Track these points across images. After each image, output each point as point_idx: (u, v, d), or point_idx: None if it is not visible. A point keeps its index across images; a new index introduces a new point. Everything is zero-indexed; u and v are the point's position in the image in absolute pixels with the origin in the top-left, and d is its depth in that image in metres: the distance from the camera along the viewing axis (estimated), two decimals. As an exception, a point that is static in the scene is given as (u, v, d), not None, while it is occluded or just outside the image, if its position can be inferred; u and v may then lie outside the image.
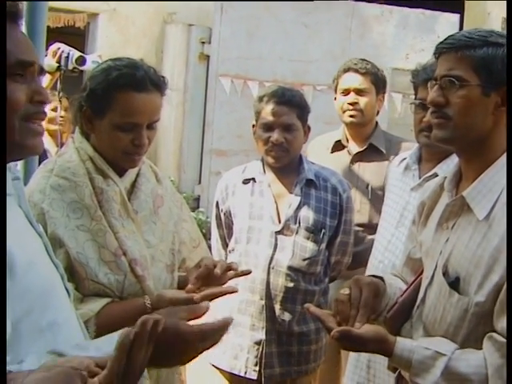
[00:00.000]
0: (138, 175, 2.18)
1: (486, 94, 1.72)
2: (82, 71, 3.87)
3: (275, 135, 2.82)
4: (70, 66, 3.80)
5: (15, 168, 1.53)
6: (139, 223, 2.11)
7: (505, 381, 1.59)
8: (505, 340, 1.61)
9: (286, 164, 2.89)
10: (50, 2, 2.73)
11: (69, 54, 3.79)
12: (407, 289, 1.98)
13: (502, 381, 1.60)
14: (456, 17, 8.24)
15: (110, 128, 2.03)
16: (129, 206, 2.09)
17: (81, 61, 3.79)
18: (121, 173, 2.12)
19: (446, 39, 1.79)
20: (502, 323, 1.63)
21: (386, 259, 2.82)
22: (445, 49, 1.78)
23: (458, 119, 1.75)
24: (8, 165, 1.46)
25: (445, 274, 1.76)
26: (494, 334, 1.64)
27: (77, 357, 1.21)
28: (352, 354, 2.93)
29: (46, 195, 1.98)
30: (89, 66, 3.75)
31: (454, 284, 1.72)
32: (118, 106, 2.00)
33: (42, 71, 1.45)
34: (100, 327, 1.89)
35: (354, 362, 2.91)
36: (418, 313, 1.88)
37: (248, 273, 2.20)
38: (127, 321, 1.50)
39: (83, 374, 1.14)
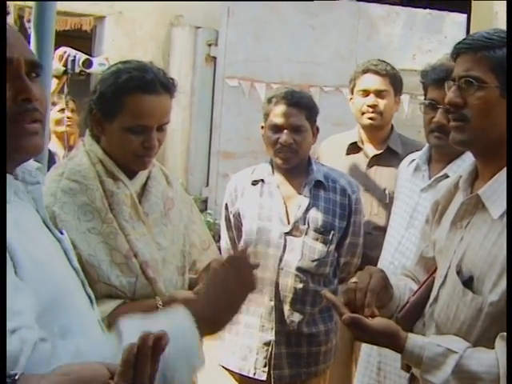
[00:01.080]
0: (148, 178, 2.19)
1: (503, 95, 1.70)
2: (89, 74, 3.88)
3: (284, 137, 2.82)
4: (77, 69, 3.81)
5: (36, 172, 1.50)
6: (150, 226, 2.11)
7: None
8: None
9: (295, 165, 2.89)
10: (56, 6, 2.73)
11: (75, 57, 3.81)
12: (419, 288, 1.97)
13: None
14: (463, 17, 8.22)
15: (120, 131, 2.03)
16: (139, 209, 2.09)
17: (87, 63, 3.81)
18: (131, 175, 2.13)
19: (464, 39, 1.77)
20: None
21: (396, 260, 2.82)
22: (463, 49, 1.75)
23: (476, 121, 1.73)
24: (28, 169, 1.46)
25: (459, 272, 1.75)
26: (505, 334, 1.63)
27: (94, 364, 1.20)
28: (362, 356, 2.92)
29: (56, 199, 1.99)
30: (96, 69, 3.76)
31: (468, 283, 1.71)
32: (127, 108, 2.01)
33: (33, 68, 1.39)
34: (112, 329, 1.90)
35: (364, 364, 2.90)
36: (431, 311, 1.87)
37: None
38: None
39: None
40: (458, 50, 1.77)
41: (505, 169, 1.73)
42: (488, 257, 1.68)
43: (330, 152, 3.50)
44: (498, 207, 1.71)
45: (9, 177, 1.37)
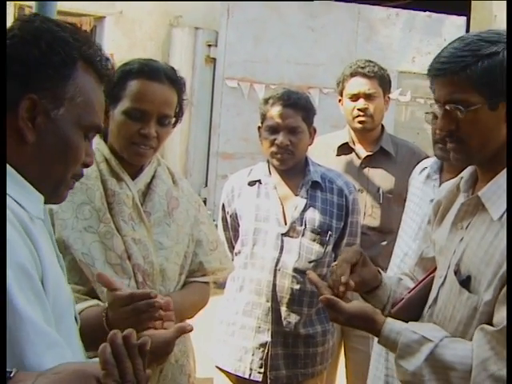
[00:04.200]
0: (153, 177, 2.19)
1: (493, 108, 1.69)
2: None
3: (280, 138, 2.82)
4: None
5: None
6: (152, 226, 2.11)
7: (489, 374, 1.59)
8: (495, 329, 1.60)
9: (292, 166, 2.89)
10: (56, 6, 2.73)
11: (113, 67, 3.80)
12: (416, 286, 1.98)
13: (485, 373, 1.60)
14: (462, 19, 8.24)
15: (119, 115, 2.05)
16: (141, 211, 2.09)
17: None
18: (136, 174, 2.13)
19: (437, 61, 1.73)
20: (497, 317, 1.62)
21: (401, 272, 2.81)
22: (440, 73, 1.73)
23: (471, 142, 1.73)
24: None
25: (456, 272, 1.76)
26: (486, 326, 1.64)
27: (89, 363, 1.21)
28: (371, 368, 2.90)
29: None
30: None
31: (465, 283, 1.72)
32: (129, 92, 2.04)
33: (99, 132, 1.49)
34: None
35: (371, 377, 2.88)
36: (430, 313, 1.88)
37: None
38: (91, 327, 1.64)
39: (98, 378, 1.14)
40: (435, 72, 1.74)
41: (505, 170, 1.73)
42: (485, 256, 1.68)
43: (321, 152, 3.49)
44: (497, 208, 1.71)
45: (40, 197, 1.40)
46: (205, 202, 7.97)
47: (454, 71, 1.69)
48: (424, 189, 2.81)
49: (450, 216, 1.92)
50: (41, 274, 1.29)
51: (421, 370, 1.68)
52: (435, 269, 1.96)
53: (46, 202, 1.44)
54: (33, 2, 2.79)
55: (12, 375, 1.14)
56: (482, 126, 1.71)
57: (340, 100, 3.53)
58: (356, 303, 1.83)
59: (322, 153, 3.49)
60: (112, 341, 1.16)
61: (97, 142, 2.11)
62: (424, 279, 1.98)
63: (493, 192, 1.73)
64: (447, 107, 1.73)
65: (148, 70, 2.06)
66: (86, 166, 1.45)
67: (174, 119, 2.15)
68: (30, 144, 1.33)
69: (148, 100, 2.04)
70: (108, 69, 1.47)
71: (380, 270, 2.04)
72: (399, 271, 2.80)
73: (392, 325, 1.77)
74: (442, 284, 1.85)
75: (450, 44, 1.76)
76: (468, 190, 1.86)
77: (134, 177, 2.13)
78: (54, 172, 1.39)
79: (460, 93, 1.70)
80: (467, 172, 1.89)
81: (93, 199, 2.02)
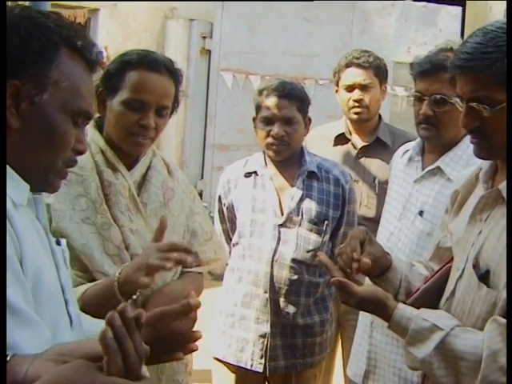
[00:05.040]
0: (149, 168, 2.19)
1: None
2: None
3: (276, 129, 2.81)
4: None
5: None
6: (148, 216, 2.11)
7: (499, 366, 1.58)
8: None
9: (288, 157, 2.88)
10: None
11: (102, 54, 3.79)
12: (432, 276, 1.97)
13: (495, 365, 1.59)
14: (458, 10, 8.22)
15: (118, 106, 2.06)
16: (137, 200, 2.10)
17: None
18: (131, 165, 2.13)
19: (461, 56, 1.68)
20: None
21: (388, 251, 2.81)
22: (464, 70, 1.68)
23: (496, 139, 1.70)
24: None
25: (475, 266, 1.74)
26: (499, 318, 1.63)
27: (86, 343, 1.18)
28: (354, 344, 2.91)
29: None
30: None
31: (484, 277, 1.70)
32: (128, 82, 2.05)
33: (90, 119, 1.47)
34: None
35: (354, 352, 2.89)
36: (447, 305, 1.86)
37: None
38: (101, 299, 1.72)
39: (101, 366, 1.11)
40: (459, 69, 1.70)
41: None
42: (504, 251, 1.66)
43: (317, 143, 3.49)
44: None
45: (26, 185, 1.39)
46: (201, 194, 7.97)
47: (479, 69, 1.64)
48: (407, 171, 2.82)
49: (467, 207, 1.89)
50: (19, 257, 1.28)
51: (430, 358, 1.68)
52: (451, 259, 1.94)
53: (38, 191, 1.44)
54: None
55: (8, 359, 1.14)
56: (504, 122, 1.67)
57: (337, 91, 3.53)
58: (368, 287, 1.82)
59: (319, 143, 3.49)
60: (111, 323, 1.13)
61: (92, 133, 2.11)
62: (440, 269, 1.97)
63: None
64: (472, 104, 1.69)
65: (148, 61, 2.07)
66: (79, 153, 1.44)
67: (170, 110, 2.16)
68: (15, 130, 1.32)
69: (147, 91, 2.04)
70: (97, 56, 1.45)
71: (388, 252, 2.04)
72: (386, 250, 2.81)
73: (403, 311, 1.75)
74: (460, 276, 1.83)
75: (470, 37, 1.71)
76: (487, 181, 1.83)
77: (129, 167, 2.13)
78: (43, 159, 1.38)
79: (485, 90, 1.66)
80: (487, 163, 1.86)
81: (89, 190, 2.03)
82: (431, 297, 1.92)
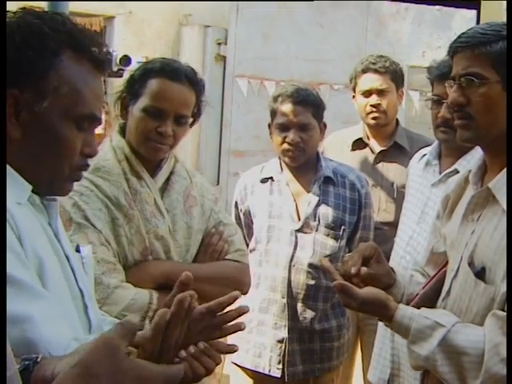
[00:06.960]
0: (171, 173, 2.23)
1: (505, 88, 1.70)
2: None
3: (291, 135, 2.82)
4: (115, 68, 3.70)
5: None
6: (169, 222, 2.15)
7: (501, 358, 1.60)
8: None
9: (303, 163, 2.89)
10: (68, 7, 2.74)
11: (111, 54, 3.79)
12: (429, 281, 1.99)
13: (498, 357, 1.61)
14: (472, 13, 8.15)
15: (138, 112, 2.10)
16: (162, 208, 2.13)
17: (125, 61, 3.73)
18: (155, 172, 2.17)
19: (459, 37, 1.77)
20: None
21: (407, 255, 2.82)
22: (460, 47, 1.76)
23: (480, 118, 1.74)
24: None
25: (470, 264, 1.77)
26: (498, 311, 1.65)
27: (108, 337, 1.18)
28: (375, 349, 2.91)
29: (79, 191, 2.01)
30: (134, 66, 3.77)
31: (480, 274, 1.73)
32: (149, 90, 2.09)
33: (98, 122, 1.45)
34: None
35: (376, 357, 2.89)
36: (443, 305, 1.88)
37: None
38: None
39: (127, 346, 1.08)
40: (455, 49, 1.77)
41: None
42: (498, 248, 1.69)
43: (335, 148, 3.50)
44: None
45: (28, 186, 1.38)
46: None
47: (474, 45, 1.72)
48: (424, 175, 2.83)
49: (459, 209, 1.92)
50: (20, 243, 1.29)
51: (433, 354, 1.70)
52: (447, 263, 1.96)
53: (47, 195, 1.43)
54: (45, 3, 2.80)
55: (39, 360, 1.14)
56: (492, 104, 1.72)
57: (353, 96, 3.54)
58: (369, 289, 1.84)
59: (337, 148, 3.51)
60: (180, 305, 1.15)
61: (117, 140, 2.16)
62: (436, 274, 1.99)
63: (503, 183, 1.73)
64: (461, 80, 1.74)
65: (169, 70, 2.11)
66: (89, 156, 1.43)
67: (191, 119, 2.19)
68: (17, 140, 1.32)
69: (166, 99, 2.08)
70: (105, 56, 1.44)
71: (393, 268, 2.05)
72: (406, 254, 2.82)
73: (404, 311, 1.78)
74: (455, 276, 1.85)
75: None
76: (477, 182, 1.86)
77: (153, 174, 2.17)
78: (48, 166, 1.38)
79: (477, 67, 1.72)
80: (475, 164, 1.89)
81: (116, 196, 2.08)
82: (430, 301, 1.94)
